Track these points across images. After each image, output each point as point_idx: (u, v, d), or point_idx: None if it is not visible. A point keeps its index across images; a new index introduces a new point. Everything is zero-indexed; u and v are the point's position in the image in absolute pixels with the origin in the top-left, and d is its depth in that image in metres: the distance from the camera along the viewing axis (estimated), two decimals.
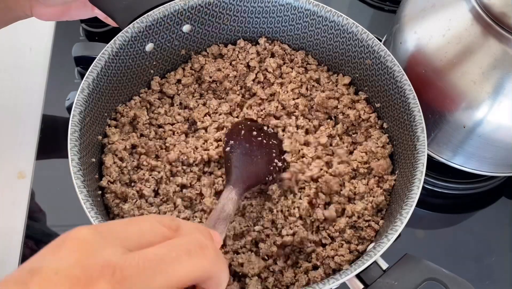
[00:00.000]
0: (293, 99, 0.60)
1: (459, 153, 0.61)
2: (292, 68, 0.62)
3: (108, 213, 0.53)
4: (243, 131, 0.57)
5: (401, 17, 0.62)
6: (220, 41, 0.63)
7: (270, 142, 0.57)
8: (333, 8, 0.58)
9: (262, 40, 0.63)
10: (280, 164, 0.56)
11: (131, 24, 0.56)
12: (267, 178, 0.55)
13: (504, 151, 0.59)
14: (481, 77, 0.54)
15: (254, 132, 0.57)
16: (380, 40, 0.62)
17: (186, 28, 0.60)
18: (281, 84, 0.61)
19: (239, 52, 0.63)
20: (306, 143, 0.58)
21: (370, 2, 0.83)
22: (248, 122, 0.59)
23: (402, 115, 0.55)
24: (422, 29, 0.58)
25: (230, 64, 0.62)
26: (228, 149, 0.56)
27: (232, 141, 0.56)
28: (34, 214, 0.63)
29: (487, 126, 0.56)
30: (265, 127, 0.59)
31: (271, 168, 0.55)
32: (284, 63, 0.63)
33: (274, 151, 0.57)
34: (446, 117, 0.58)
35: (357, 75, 0.60)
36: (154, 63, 0.60)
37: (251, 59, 0.62)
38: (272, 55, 0.63)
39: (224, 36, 0.63)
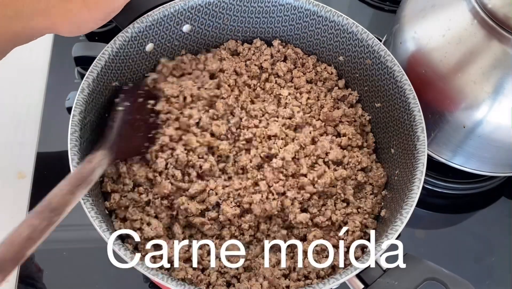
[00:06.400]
0: (299, 106, 0.59)
1: (459, 153, 0.61)
2: (302, 74, 0.62)
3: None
4: (141, 99, 0.54)
5: (401, 17, 0.62)
6: (220, 41, 0.63)
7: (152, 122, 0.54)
8: (333, 8, 0.58)
9: (258, 42, 0.63)
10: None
11: (131, 24, 0.55)
12: (141, 151, 0.53)
13: (504, 151, 0.59)
14: (481, 77, 0.54)
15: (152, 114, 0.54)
16: (380, 40, 0.62)
17: (186, 28, 0.60)
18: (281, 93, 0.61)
19: (253, 51, 0.62)
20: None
21: (370, 2, 0.83)
22: (153, 93, 0.56)
23: (402, 115, 0.55)
24: (422, 29, 0.58)
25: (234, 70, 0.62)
26: (120, 108, 0.52)
27: (129, 104, 0.53)
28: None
29: (487, 126, 0.56)
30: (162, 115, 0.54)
31: (146, 143, 0.53)
32: (295, 67, 0.62)
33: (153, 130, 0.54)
34: (446, 117, 0.58)
35: (357, 75, 0.60)
36: (154, 63, 0.60)
37: (257, 62, 0.62)
38: (272, 57, 0.63)
39: (224, 36, 0.63)
